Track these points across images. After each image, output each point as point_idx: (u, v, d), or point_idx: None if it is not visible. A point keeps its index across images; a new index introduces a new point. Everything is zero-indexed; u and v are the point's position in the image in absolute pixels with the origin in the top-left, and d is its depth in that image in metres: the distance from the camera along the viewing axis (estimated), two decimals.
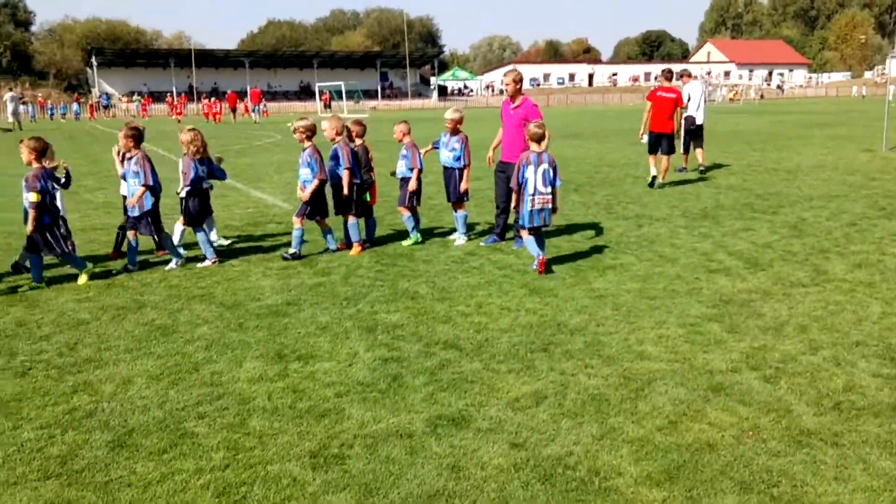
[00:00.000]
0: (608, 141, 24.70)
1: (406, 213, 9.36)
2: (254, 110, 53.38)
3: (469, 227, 9.82)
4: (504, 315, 6.46)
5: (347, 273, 7.98)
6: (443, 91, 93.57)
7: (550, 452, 4.01)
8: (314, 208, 8.63)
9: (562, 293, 7.11)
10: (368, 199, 9.17)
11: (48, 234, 7.32)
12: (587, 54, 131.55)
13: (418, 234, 9.45)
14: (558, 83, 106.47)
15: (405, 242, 9.36)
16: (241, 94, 62.93)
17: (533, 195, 7.74)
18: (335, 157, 8.73)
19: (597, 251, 8.83)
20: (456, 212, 9.56)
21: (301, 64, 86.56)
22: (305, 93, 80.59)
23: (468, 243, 9.33)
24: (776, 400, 4.62)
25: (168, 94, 68.24)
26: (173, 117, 54.89)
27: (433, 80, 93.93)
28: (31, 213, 7.23)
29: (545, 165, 7.79)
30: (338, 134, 8.78)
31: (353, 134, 9.14)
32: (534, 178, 7.73)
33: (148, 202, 7.97)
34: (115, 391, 4.87)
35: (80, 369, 5.26)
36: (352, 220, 8.95)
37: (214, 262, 8.36)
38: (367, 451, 4.04)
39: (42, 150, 7.42)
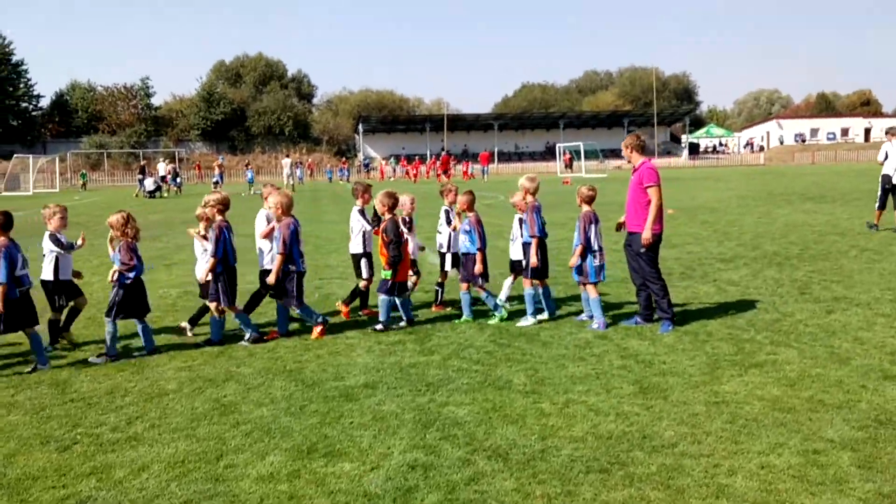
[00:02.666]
0: (852, 204, 21.62)
1: (464, 291, 8.75)
2: (484, 171, 56.06)
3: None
4: (587, 419, 5.50)
5: (453, 353, 7.40)
6: (694, 149, 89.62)
7: None
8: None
9: (676, 395, 5.96)
10: (389, 276, 8.37)
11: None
12: (865, 107, 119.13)
13: (470, 315, 8.70)
14: (828, 138, 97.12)
15: (455, 321, 8.69)
16: (466, 156, 64.93)
17: (597, 251, 8.22)
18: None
19: (755, 342, 7.43)
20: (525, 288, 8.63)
21: (548, 125, 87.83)
22: (550, 153, 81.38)
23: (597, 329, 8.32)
24: None
25: (417, 157, 72.43)
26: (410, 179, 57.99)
27: (684, 137, 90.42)
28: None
29: (601, 224, 8.39)
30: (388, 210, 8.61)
31: (383, 208, 8.58)
32: (595, 235, 8.27)
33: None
34: (123, 478, 4.71)
35: (116, 448, 5.21)
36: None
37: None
38: None
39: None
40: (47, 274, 7.89)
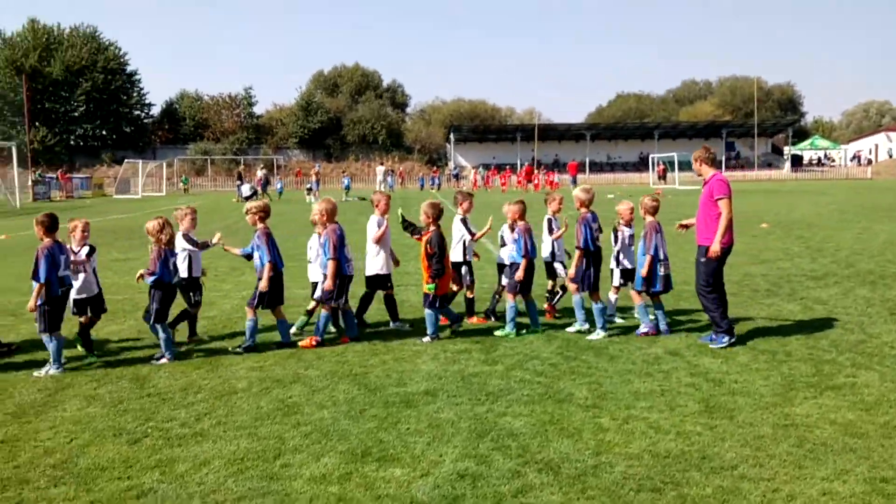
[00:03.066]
0: None
1: (511, 302, 8.59)
2: (573, 181, 55.67)
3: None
4: (645, 437, 5.37)
5: (517, 364, 7.36)
6: (797, 161, 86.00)
7: None
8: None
9: (743, 416, 5.75)
10: (432, 289, 8.29)
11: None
12: None
13: (513, 329, 8.52)
14: None
15: (498, 332, 8.55)
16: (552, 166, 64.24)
17: (663, 261, 8.33)
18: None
19: (835, 363, 7.09)
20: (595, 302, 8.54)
21: (642, 135, 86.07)
22: (643, 164, 79.81)
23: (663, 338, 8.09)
24: None
25: (507, 167, 72.31)
26: (483, 188, 58.00)
27: (786, 149, 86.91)
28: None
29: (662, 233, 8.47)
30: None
31: (427, 219, 8.45)
32: (661, 244, 8.37)
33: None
34: (184, 472, 4.91)
35: (182, 443, 5.43)
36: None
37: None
38: None
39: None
40: (182, 272, 8.34)
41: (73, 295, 7.87)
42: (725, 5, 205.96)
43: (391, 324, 9.05)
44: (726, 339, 7.81)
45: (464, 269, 9.27)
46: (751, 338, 8.20)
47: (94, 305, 8.08)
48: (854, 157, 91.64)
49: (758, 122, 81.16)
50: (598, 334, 8.31)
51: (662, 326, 8.40)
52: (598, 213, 8.84)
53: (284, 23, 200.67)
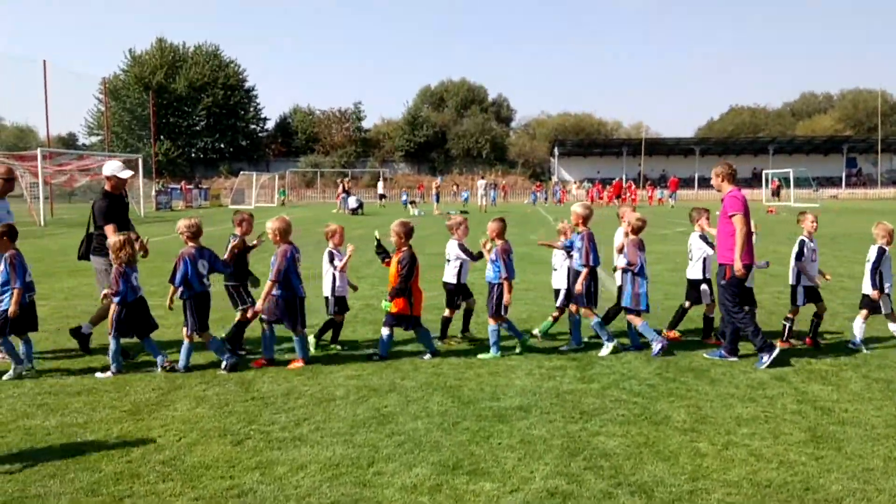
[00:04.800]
0: None
1: (492, 325, 8.41)
2: (672, 197, 57.68)
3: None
4: (746, 464, 5.19)
5: (613, 383, 7.25)
6: None
7: None
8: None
9: (852, 447, 5.47)
10: (388, 307, 8.15)
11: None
12: None
13: (497, 352, 8.34)
14: None
15: (482, 356, 8.34)
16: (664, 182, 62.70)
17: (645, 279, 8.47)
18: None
19: None
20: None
21: (756, 150, 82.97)
22: (756, 180, 76.89)
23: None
24: None
25: (613, 181, 71.17)
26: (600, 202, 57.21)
27: None
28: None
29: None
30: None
31: (398, 238, 8.31)
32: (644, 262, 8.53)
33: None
34: (283, 474, 5.09)
35: (282, 446, 5.63)
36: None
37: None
38: None
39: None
40: (450, 277, 8.98)
41: (328, 294, 8.73)
42: (847, 12, 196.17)
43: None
44: (767, 358, 7.68)
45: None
46: (866, 365, 7.79)
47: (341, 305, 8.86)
48: None
49: (882, 137, 76.79)
50: (608, 347, 8.41)
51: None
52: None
53: (394, 38, 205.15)
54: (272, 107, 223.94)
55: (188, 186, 59.37)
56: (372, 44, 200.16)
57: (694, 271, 9.11)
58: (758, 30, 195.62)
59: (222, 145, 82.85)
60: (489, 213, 41.30)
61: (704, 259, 8.99)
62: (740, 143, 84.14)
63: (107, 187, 8.91)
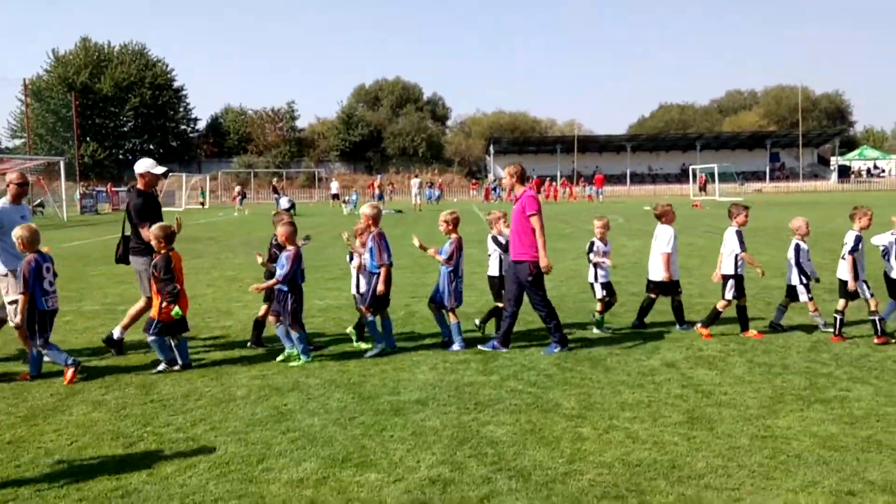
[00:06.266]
0: None
1: (369, 317, 8.43)
2: (599, 193, 58.83)
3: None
4: (622, 446, 5.45)
5: (512, 374, 7.47)
6: (844, 172, 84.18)
7: None
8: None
9: (724, 427, 5.79)
10: (178, 314, 7.84)
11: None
12: None
13: (383, 345, 8.44)
14: None
15: (367, 354, 8.34)
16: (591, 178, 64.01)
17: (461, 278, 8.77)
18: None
19: (831, 377, 7.07)
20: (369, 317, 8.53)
21: (684, 146, 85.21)
22: (685, 175, 79.04)
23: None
24: None
25: (548, 179, 72.25)
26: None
27: (833, 160, 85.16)
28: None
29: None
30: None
31: (158, 244, 7.99)
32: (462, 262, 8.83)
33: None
34: (170, 474, 5.13)
35: (174, 447, 5.66)
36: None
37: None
38: None
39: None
40: (493, 270, 9.13)
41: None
42: (772, 12, 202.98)
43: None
44: (558, 348, 8.30)
45: (730, 283, 8.95)
46: (753, 350, 8.20)
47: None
48: None
49: (803, 133, 79.89)
50: (376, 350, 8.44)
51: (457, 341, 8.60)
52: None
53: (327, 37, 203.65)
54: (203, 107, 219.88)
55: (114, 189, 57.91)
56: (305, 42, 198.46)
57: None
58: (686, 28, 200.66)
59: (152, 146, 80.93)
60: (423, 212, 41.53)
61: (735, 256, 8.95)
62: (669, 140, 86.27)
63: (139, 185, 8.84)
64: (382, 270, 8.35)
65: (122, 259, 8.82)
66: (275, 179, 52.08)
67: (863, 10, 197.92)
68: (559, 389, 6.93)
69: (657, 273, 9.38)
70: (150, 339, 7.88)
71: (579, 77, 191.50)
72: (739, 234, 8.99)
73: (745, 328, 8.99)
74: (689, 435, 5.65)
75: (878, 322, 8.40)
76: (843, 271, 8.87)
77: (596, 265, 9.48)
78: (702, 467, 5.03)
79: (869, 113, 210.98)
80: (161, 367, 7.87)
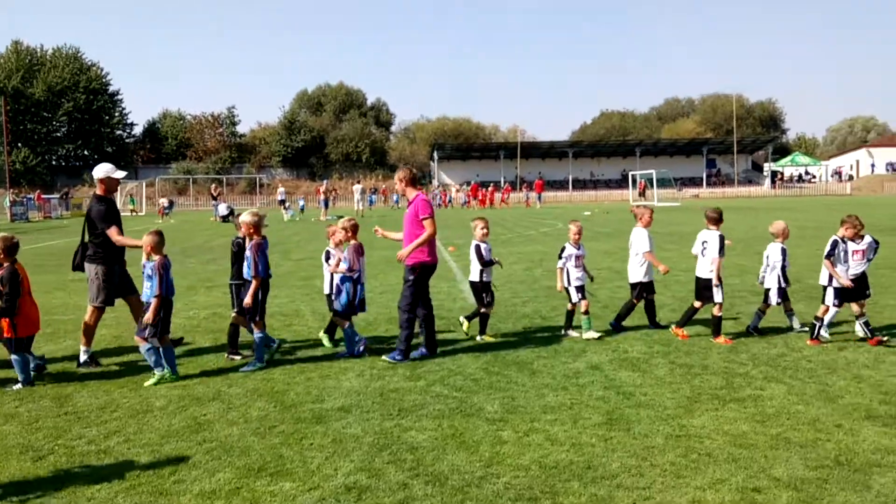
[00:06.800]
0: None
1: (144, 345, 7.56)
2: (538, 199, 60.15)
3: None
4: (540, 448, 5.50)
5: (439, 379, 7.46)
6: (777, 177, 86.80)
7: None
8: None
9: (640, 428, 5.88)
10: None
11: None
12: None
13: (164, 371, 7.61)
14: None
15: (147, 383, 7.52)
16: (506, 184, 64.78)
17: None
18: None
19: (747, 376, 7.26)
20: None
21: (624, 153, 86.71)
22: (626, 181, 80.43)
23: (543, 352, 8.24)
24: None
25: (491, 184, 72.71)
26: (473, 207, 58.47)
27: (767, 166, 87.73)
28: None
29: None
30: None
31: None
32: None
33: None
34: (78, 488, 4.95)
35: (84, 460, 5.49)
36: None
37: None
38: None
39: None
40: (474, 276, 9.30)
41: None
42: (709, 22, 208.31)
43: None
44: (400, 357, 8.18)
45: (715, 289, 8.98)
46: (676, 352, 8.36)
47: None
48: (835, 174, 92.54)
49: (738, 139, 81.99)
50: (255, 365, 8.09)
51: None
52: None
53: (269, 42, 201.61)
54: (140, 112, 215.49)
55: (43, 196, 56.13)
56: (247, 47, 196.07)
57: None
58: (627, 36, 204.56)
59: (86, 152, 78.93)
60: (366, 218, 41.34)
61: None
62: (610, 146, 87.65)
63: (99, 191, 8.65)
64: (254, 282, 8.02)
65: (79, 266, 8.68)
66: (212, 185, 51.01)
67: (796, 21, 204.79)
68: (484, 394, 6.95)
69: (637, 275, 9.61)
70: (14, 357, 7.51)
71: (524, 83, 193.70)
72: (723, 237, 9.07)
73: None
74: (606, 436, 5.73)
75: (852, 325, 8.44)
76: (824, 276, 8.87)
77: (567, 270, 9.35)
78: (616, 467, 5.10)
79: (801, 121, 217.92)
80: (17, 385, 7.50)
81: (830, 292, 8.69)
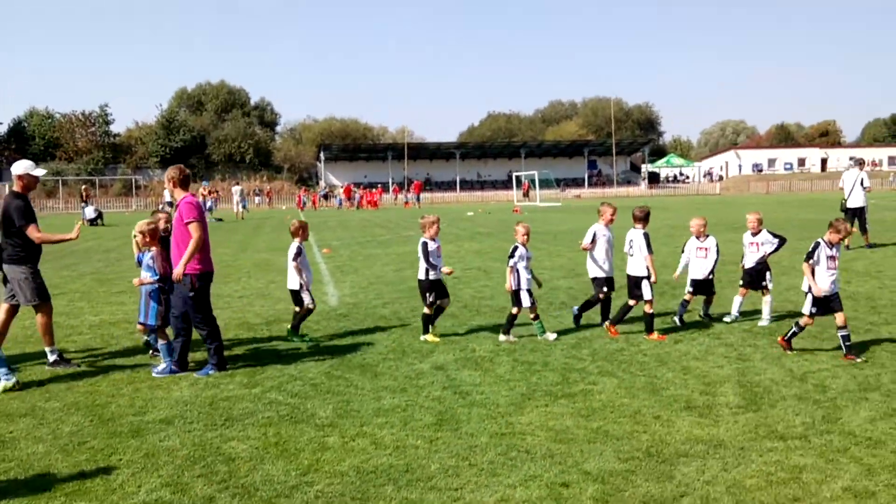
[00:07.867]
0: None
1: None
2: (417, 200, 61.42)
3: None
4: (363, 453, 5.36)
5: (276, 385, 7.20)
6: (654, 178, 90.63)
7: None
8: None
9: (469, 427, 5.84)
10: None
11: None
12: (823, 137, 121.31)
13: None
14: (785, 168, 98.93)
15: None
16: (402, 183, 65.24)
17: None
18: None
19: (584, 371, 7.37)
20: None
21: (510, 154, 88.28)
22: (510, 181, 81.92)
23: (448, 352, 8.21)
24: None
25: (378, 185, 72.48)
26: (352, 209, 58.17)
27: (644, 167, 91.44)
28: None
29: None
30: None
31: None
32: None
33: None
34: None
35: None
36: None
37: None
38: None
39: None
40: (421, 274, 9.01)
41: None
42: (590, 27, 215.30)
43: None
44: (214, 370, 7.70)
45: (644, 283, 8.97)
46: (521, 349, 8.41)
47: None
48: (707, 174, 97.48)
49: (616, 141, 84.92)
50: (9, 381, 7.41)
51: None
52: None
53: (145, 37, 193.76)
54: (3, 110, 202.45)
55: None
56: (120, 42, 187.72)
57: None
58: (513, 39, 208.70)
59: None
60: (245, 221, 40.25)
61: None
62: (496, 147, 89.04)
63: (16, 188, 8.10)
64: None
65: None
66: (83, 187, 48.36)
67: (672, 28, 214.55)
68: (320, 399, 6.75)
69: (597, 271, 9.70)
70: None
71: (411, 84, 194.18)
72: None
73: (608, 319, 9.41)
74: (433, 437, 5.65)
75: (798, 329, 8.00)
76: (805, 283, 7.99)
77: (518, 271, 8.96)
78: (434, 469, 5.02)
79: (676, 123, 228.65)
80: None
81: (809, 300, 7.88)
